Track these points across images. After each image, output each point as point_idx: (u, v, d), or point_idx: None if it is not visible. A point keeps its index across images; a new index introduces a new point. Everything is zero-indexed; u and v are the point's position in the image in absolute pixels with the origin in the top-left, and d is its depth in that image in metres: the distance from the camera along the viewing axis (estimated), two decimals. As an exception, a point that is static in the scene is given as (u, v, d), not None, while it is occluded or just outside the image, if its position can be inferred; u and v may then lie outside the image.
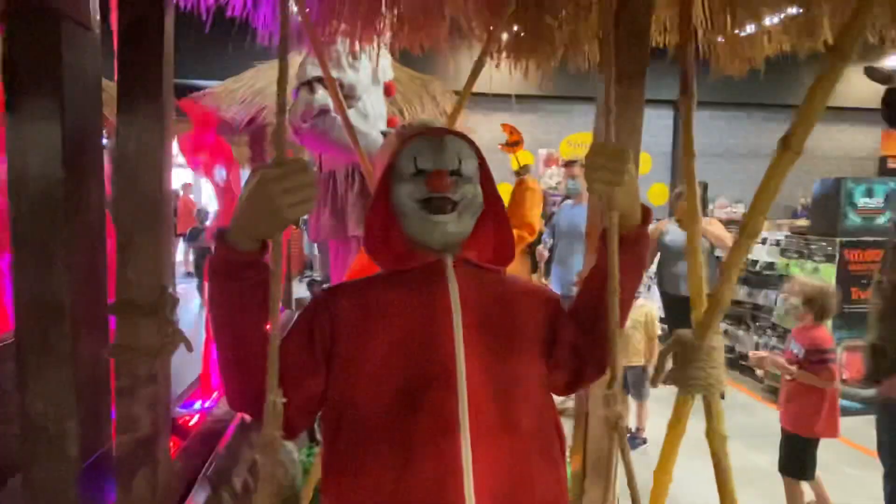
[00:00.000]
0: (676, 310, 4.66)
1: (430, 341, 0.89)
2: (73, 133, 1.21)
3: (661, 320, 5.36)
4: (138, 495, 1.25)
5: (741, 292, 5.37)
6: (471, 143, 1.01)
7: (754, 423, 4.01)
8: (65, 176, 1.19)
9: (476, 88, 1.87)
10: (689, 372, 0.86)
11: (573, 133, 9.17)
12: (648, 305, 3.56)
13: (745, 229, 0.87)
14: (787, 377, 2.60)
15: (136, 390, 1.24)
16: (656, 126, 11.37)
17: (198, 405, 2.23)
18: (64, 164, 1.19)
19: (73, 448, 1.22)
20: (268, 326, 0.82)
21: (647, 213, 0.97)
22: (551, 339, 0.99)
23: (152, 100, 1.21)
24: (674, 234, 4.37)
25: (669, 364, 0.93)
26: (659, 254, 4.50)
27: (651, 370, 3.35)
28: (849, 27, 0.80)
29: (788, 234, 5.24)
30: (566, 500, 0.94)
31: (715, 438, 0.85)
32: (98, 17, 1.31)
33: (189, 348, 1.26)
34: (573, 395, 1.63)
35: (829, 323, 2.67)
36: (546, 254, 4.46)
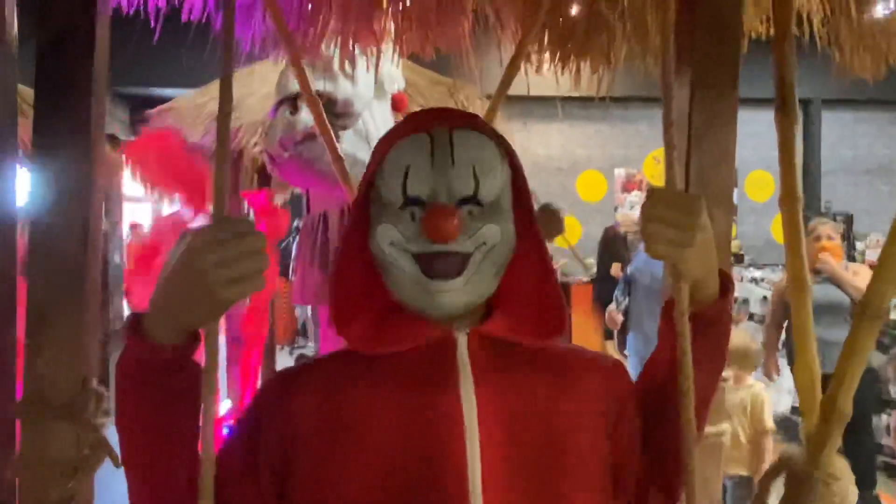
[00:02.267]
0: (813, 394, 4.50)
1: (430, 469, 0.82)
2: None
3: (795, 410, 5.18)
4: None
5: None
6: (496, 137, 0.90)
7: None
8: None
9: (526, 91, 1.88)
10: (800, 508, 0.81)
11: (661, 147, 9.13)
12: (756, 386, 3.37)
13: (866, 308, 0.83)
14: None
15: (47, 520, 1.26)
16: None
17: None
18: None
19: None
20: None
21: (726, 282, 0.93)
22: (616, 442, 0.91)
23: (77, 133, 1.27)
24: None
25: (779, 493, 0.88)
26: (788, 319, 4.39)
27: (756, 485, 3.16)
28: None
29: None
30: None
31: None
32: (15, 28, 1.39)
33: (116, 464, 1.27)
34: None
35: None
36: (620, 317, 4.39)
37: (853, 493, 0.81)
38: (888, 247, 0.84)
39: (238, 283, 0.74)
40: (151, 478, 0.84)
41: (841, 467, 0.81)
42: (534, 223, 0.92)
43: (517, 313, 0.90)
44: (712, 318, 0.91)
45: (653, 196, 0.84)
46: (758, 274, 6.02)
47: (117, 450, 0.89)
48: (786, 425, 5.44)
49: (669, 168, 0.89)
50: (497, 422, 0.84)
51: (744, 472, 3.20)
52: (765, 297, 5.81)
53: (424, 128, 0.87)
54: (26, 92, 1.47)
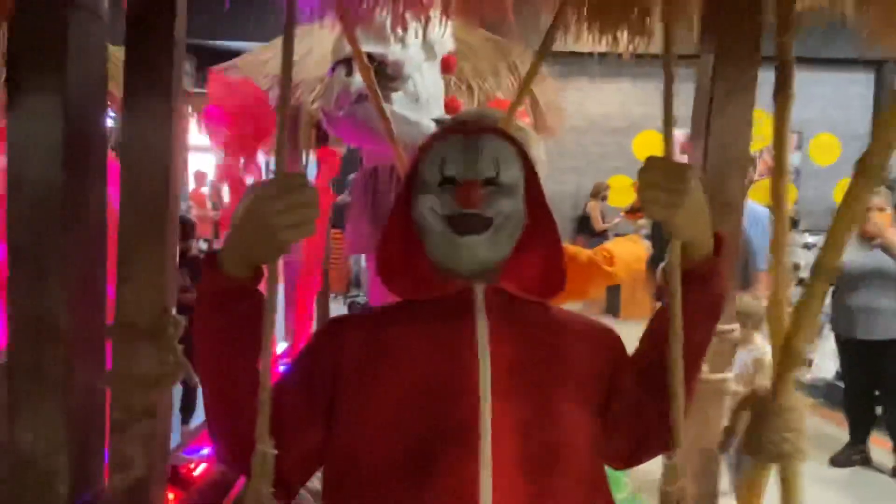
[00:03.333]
0: (852, 359, 4.54)
1: (450, 393, 1.00)
2: (76, 131, 1.48)
3: (839, 375, 5.20)
4: (129, 546, 1.50)
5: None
6: (515, 143, 1.13)
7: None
8: (65, 179, 1.46)
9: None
10: (762, 436, 0.96)
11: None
12: (762, 349, 3.46)
13: (818, 268, 0.97)
14: None
15: (132, 425, 1.49)
16: (848, 96, 10.88)
17: (205, 451, 2.50)
18: (64, 165, 1.46)
19: (62, 486, 1.48)
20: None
21: (721, 243, 1.07)
22: (609, 394, 1.09)
23: (161, 98, 1.47)
24: (855, 254, 4.28)
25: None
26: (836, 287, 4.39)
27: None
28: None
29: None
30: None
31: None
32: (106, 3, 1.58)
33: (191, 381, 1.50)
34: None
35: None
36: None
37: (805, 424, 0.96)
38: (838, 214, 0.96)
39: (295, 227, 0.93)
40: (222, 386, 1.04)
41: (796, 401, 0.95)
42: (545, 206, 1.14)
43: (525, 275, 1.12)
44: (705, 274, 1.06)
45: (649, 164, 1.00)
46: (811, 239, 5.98)
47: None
48: (830, 392, 5.46)
49: (667, 139, 1.03)
50: (504, 353, 1.03)
51: None
52: (815, 263, 5.79)
53: (461, 131, 1.12)
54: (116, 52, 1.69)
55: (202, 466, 2.30)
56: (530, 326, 1.09)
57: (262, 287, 1.03)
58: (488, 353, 1.02)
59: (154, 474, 1.51)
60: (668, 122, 1.05)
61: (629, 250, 2.35)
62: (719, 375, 1.51)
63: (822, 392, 5.51)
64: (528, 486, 0.97)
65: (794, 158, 6.51)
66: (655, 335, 1.11)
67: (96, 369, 1.58)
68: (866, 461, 4.48)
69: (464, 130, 1.12)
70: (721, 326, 1.55)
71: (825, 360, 5.65)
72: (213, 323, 1.01)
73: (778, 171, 1.16)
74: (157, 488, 1.54)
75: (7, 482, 1.49)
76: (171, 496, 1.94)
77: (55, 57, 1.45)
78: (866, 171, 0.94)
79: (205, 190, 10.16)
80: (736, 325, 1.57)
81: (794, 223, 6.84)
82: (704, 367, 1.53)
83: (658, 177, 0.99)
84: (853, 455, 4.43)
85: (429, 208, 1.07)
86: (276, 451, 0.98)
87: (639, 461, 1.14)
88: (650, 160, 1.00)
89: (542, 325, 1.11)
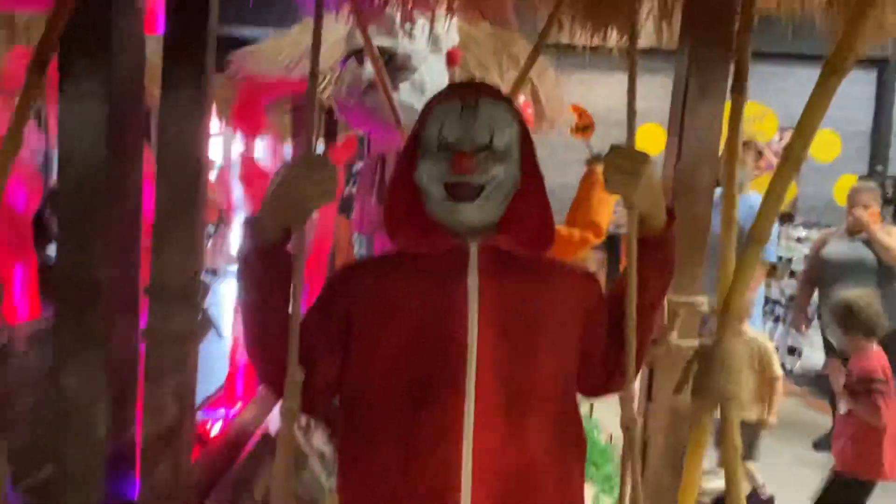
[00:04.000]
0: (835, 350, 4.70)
1: (442, 341, 1.19)
2: (118, 110, 1.66)
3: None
4: (161, 483, 1.70)
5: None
6: (511, 106, 1.25)
7: None
8: (108, 154, 1.64)
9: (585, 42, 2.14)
10: (706, 380, 1.15)
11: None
12: (761, 338, 3.63)
13: (752, 234, 1.15)
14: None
15: (165, 377, 1.69)
16: (850, 95, 10.97)
17: (220, 413, 2.71)
18: (108, 143, 1.64)
19: (101, 430, 1.67)
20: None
21: (671, 216, 1.27)
22: (584, 333, 1.27)
23: (196, 84, 1.66)
24: (838, 246, 4.42)
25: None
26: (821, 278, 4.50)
27: (771, 421, 3.43)
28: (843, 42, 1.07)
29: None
30: None
31: (728, 450, 1.15)
32: (143, -2, 1.77)
33: (219, 333, 1.69)
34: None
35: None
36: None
37: (748, 374, 1.14)
38: (773, 178, 1.14)
39: (319, 196, 1.14)
40: (260, 325, 1.24)
41: (736, 350, 1.14)
42: (536, 167, 1.28)
43: (517, 232, 1.26)
44: (658, 242, 1.26)
45: (613, 151, 1.20)
46: (803, 233, 6.15)
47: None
48: (817, 381, 5.64)
49: (630, 129, 1.22)
50: (492, 307, 1.21)
51: (752, 419, 3.44)
52: (806, 256, 5.96)
53: (458, 97, 1.25)
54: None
55: (219, 425, 2.51)
56: (519, 281, 1.24)
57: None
58: (477, 306, 1.20)
59: (184, 422, 1.71)
60: (631, 115, 1.25)
61: (607, 207, 2.59)
62: (688, 342, 1.70)
63: (810, 381, 5.70)
64: (506, 421, 1.18)
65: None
66: (617, 294, 1.29)
67: (133, 326, 1.78)
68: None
69: (461, 95, 1.24)
70: (691, 298, 1.75)
71: (815, 352, 5.82)
72: (252, 274, 1.22)
73: (729, 173, 1.32)
74: (186, 435, 1.73)
75: (52, 427, 1.69)
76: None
77: (101, 46, 1.63)
78: (791, 156, 1.12)
79: (211, 176, 10.33)
80: (704, 298, 1.75)
81: (790, 217, 7.03)
82: (674, 335, 1.72)
83: (619, 161, 1.20)
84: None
85: (428, 174, 1.21)
86: (302, 376, 1.20)
87: (605, 393, 1.35)
88: (614, 148, 1.20)
89: (531, 278, 1.26)
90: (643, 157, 1.19)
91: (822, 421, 4.86)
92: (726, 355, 1.10)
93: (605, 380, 1.33)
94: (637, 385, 1.85)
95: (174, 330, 1.68)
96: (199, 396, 3.03)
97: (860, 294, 3.17)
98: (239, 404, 2.90)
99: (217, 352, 3.09)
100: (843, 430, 3.07)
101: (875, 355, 3.01)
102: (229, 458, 2.32)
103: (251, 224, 1.21)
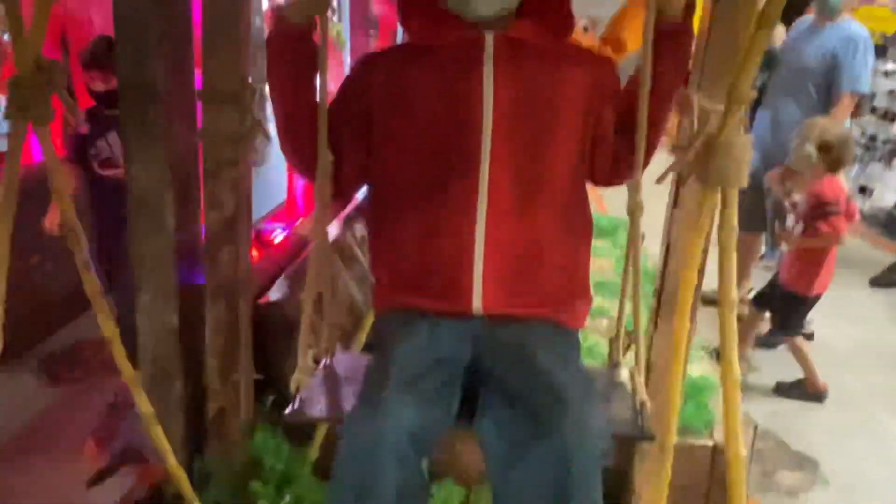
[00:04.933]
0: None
1: (458, 129, 1.26)
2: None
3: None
4: (224, 268, 1.91)
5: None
6: None
7: None
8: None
9: None
10: (709, 164, 1.21)
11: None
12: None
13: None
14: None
15: (221, 173, 1.86)
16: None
17: (279, 226, 2.93)
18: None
19: (169, 219, 1.88)
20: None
21: (690, 8, 1.27)
22: (597, 114, 1.31)
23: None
24: None
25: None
26: None
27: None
28: None
29: None
30: (579, 285, 1.38)
31: (725, 228, 1.22)
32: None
33: (267, 137, 1.83)
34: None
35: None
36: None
37: (748, 155, 1.19)
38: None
39: None
40: (291, 110, 1.34)
41: (738, 138, 1.18)
42: None
43: (537, 20, 1.30)
44: (672, 33, 1.28)
45: None
46: (890, 66, 5.77)
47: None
48: (889, 221, 5.52)
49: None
50: (506, 96, 1.27)
51: None
52: (891, 91, 5.66)
53: None
54: None
55: (279, 234, 2.72)
56: (535, 69, 1.28)
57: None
58: (492, 95, 1.26)
59: (240, 213, 1.89)
60: None
61: (637, 27, 2.59)
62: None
63: (881, 221, 5.58)
64: (517, 202, 1.28)
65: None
66: (633, 88, 1.33)
67: (190, 127, 1.93)
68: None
69: None
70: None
71: (887, 191, 5.64)
72: (282, 60, 1.31)
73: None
74: (243, 225, 1.92)
75: (127, 217, 1.89)
76: (254, 253, 2.35)
77: None
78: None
79: None
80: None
81: (883, 50, 6.56)
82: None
83: None
84: (894, 276, 4.61)
85: None
86: (332, 158, 1.31)
87: (615, 181, 1.40)
88: None
89: (546, 65, 1.29)
90: None
91: (889, 260, 4.80)
92: (728, 145, 1.14)
93: (615, 167, 1.38)
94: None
95: (227, 130, 1.81)
96: (264, 212, 3.30)
97: None
98: (300, 220, 3.12)
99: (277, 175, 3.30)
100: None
101: (833, 181, 3.02)
102: (288, 259, 2.54)
103: (279, 14, 1.29)
